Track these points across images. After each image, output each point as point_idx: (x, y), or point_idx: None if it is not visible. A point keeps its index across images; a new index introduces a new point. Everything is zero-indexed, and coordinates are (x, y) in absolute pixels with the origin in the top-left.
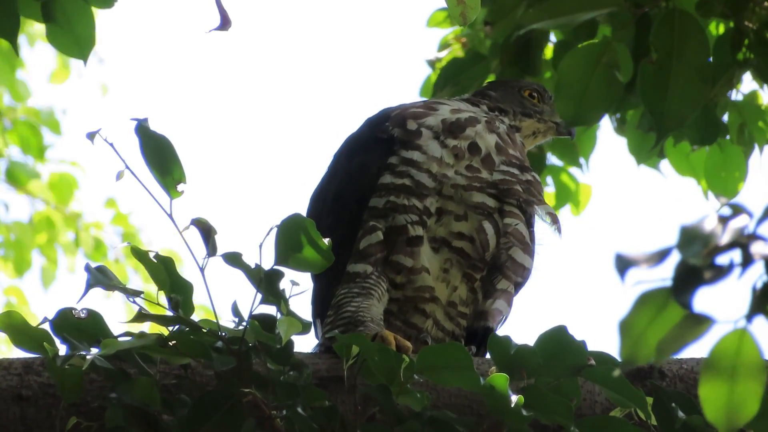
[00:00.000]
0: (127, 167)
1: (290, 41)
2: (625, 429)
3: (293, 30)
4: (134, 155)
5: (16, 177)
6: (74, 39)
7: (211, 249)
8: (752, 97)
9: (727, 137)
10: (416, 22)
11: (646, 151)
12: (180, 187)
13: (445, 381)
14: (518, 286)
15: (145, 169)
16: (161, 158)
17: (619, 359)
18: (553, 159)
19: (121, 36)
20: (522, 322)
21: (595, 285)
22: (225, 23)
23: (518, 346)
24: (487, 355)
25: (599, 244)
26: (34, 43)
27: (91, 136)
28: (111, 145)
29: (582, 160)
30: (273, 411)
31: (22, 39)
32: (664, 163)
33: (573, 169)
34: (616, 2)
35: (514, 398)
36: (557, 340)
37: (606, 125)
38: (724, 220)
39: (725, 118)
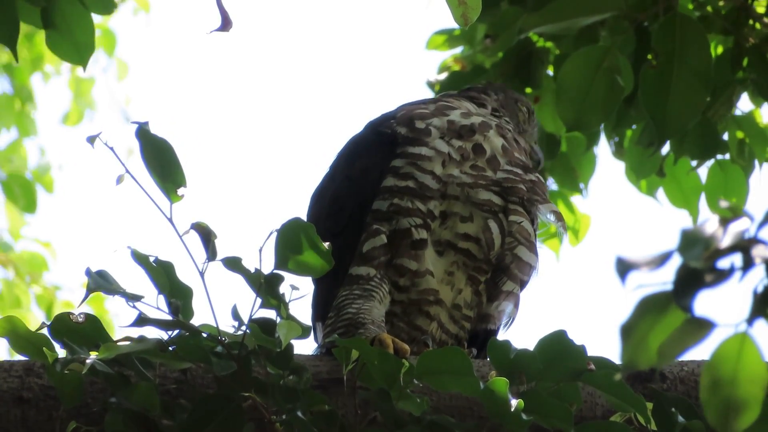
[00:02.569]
0: (127, 171)
1: (292, 50)
2: None
3: (295, 40)
4: (135, 160)
5: None
6: (74, 45)
7: (211, 253)
8: (751, 115)
9: (727, 156)
10: (416, 45)
11: (646, 166)
12: (180, 191)
13: (444, 386)
14: (523, 284)
15: (146, 173)
16: (161, 162)
17: (619, 363)
18: (553, 184)
19: (121, 38)
20: (522, 327)
21: (594, 296)
22: (226, 24)
23: (518, 351)
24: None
25: (598, 263)
26: (48, 80)
27: (91, 139)
28: (111, 149)
29: (581, 186)
30: (273, 415)
31: (36, 77)
32: (660, 194)
33: (573, 198)
34: (615, 7)
35: (513, 402)
36: (557, 345)
37: (604, 152)
38: (724, 223)
39: (725, 137)
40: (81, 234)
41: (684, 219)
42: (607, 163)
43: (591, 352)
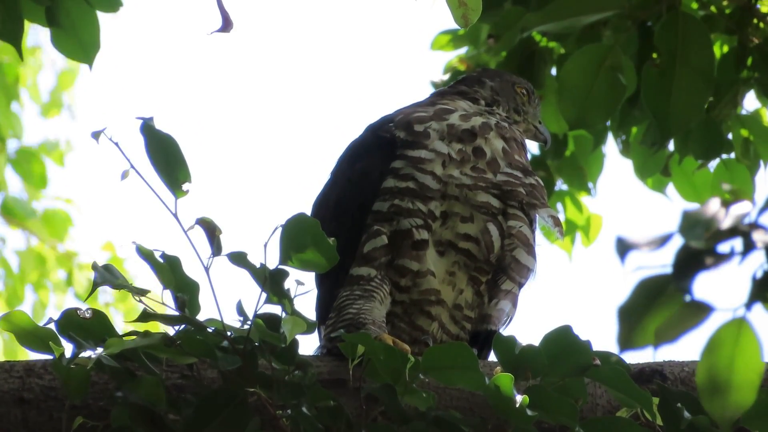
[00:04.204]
0: (132, 167)
1: (296, 49)
2: (631, 429)
3: (299, 39)
4: (140, 156)
5: (11, 211)
6: (79, 43)
7: (216, 248)
8: (756, 114)
9: (732, 155)
10: (421, 45)
11: (651, 165)
12: (185, 187)
13: (450, 381)
14: (521, 285)
15: (151, 169)
16: (166, 157)
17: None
18: (562, 185)
19: (124, 39)
20: (527, 323)
21: (608, 297)
22: (227, 25)
23: (523, 346)
24: (489, 358)
25: (606, 261)
26: (37, 74)
27: (96, 135)
28: (116, 144)
29: (590, 185)
30: (278, 410)
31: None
32: (670, 188)
33: (584, 198)
34: (616, 5)
35: (518, 398)
36: (562, 340)
37: (612, 150)
38: (725, 205)
39: (730, 136)
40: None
41: None
42: (617, 161)
43: (597, 345)
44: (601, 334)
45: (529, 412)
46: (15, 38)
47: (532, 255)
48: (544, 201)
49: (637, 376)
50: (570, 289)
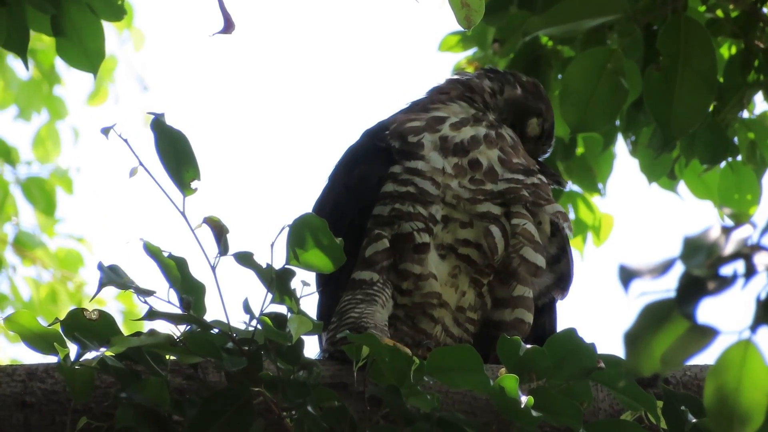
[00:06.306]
0: (141, 164)
1: (305, 48)
2: None
3: (309, 37)
4: (149, 153)
5: (23, 246)
6: (84, 52)
7: (223, 248)
8: (763, 117)
9: (739, 158)
10: (429, 46)
11: (657, 169)
12: (194, 185)
13: (454, 383)
14: (557, 295)
15: (160, 166)
16: (176, 155)
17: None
18: (572, 185)
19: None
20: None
21: (619, 297)
22: (228, 27)
23: (528, 348)
24: None
25: (617, 260)
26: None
27: (105, 131)
28: (125, 141)
29: (599, 185)
30: (283, 411)
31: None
32: (681, 187)
33: (595, 199)
34: (620, 9)
35: (523, 399)
36: (567, 343)
37: (622, 150)
38: (727, 230)
39: (737, 140)
40: (99, 230)
41: (707, 212)
42: (627, 161)
43: (611, 352)
44: (612, 332)
45: (533, 414)
46: (20, 48)
47: (540, 252)
48: (549, 197)
49: (639, 379)
50: (582, 288)
